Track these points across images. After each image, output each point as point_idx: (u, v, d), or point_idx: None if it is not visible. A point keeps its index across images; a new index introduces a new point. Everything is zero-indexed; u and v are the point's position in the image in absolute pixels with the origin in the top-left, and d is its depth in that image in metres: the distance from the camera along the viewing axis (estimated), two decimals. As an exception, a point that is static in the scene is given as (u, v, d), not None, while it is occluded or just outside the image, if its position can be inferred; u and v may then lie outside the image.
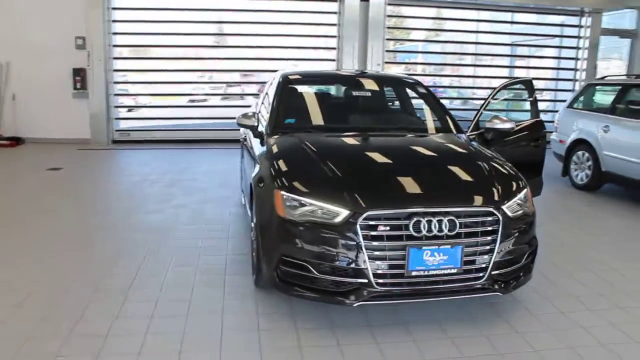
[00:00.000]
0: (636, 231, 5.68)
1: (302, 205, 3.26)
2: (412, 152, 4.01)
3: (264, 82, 11.43)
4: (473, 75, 12.56)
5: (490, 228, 3.26)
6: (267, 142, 4.20)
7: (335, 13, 10.91)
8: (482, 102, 5.09)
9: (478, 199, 3.34)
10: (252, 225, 4.04)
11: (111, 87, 10.37)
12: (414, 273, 3.14)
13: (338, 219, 3.15)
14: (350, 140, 4.20)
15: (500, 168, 3.76)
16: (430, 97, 4.98)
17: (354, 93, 5.07)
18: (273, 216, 3.35)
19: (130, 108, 11.29)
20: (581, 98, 7.85)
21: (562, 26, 11.89)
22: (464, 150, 4.08)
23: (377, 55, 10.93)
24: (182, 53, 11.01)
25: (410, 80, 5.36)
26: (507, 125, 4.61)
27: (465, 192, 3.39)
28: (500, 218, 3.27)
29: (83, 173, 7.92)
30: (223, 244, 4.85)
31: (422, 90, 5.09)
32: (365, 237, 3.10)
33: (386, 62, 11.12)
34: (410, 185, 3.40)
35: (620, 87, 7.22)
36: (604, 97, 7.82)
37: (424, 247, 3.12)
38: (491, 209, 3.28)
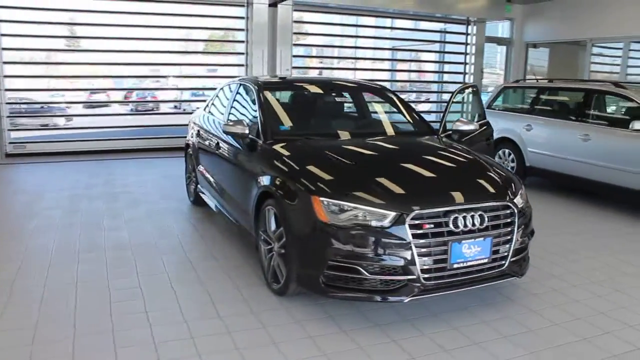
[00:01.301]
0: (562, 213, 6.51)
1: (346, 209, 3.35)
2: (426, 155, 4.24)
3: (173, 89, 11.25)
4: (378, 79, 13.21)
5: (508, 220, 3.61)
6: (271, 150, 4.18)
7: (243, 18, 10.86)
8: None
9: (497, 195, 3.67)
10: (263, 235, 4.00)
11: (2, 95, 9.30)
12: (455, 265, 3.39)
13: (387, 221, 3.29)
14: (359, 145, 4.33)
15: (498, 167, 4.14)
16: (403, 102, 5.27)
17: (337, 99, 5.19)
18: (314, 222, 3.39)
19: (26, 117, 10.19)
20: (499, 99, 8.49)
21: (451, 33, 12.99)
22: (462, 152, 4.39)
23: (285, 60, 11.08)
24: (72, 58, 10.19)
25: (379, 86, 5.62)
26: (471, 127, 5.07)
27: (486, 190, 3.71)
28: (515, 211, 3.64)
29: (-7, 192, 7.06)
30: (211, 255, 4.70)
31: (391, 95, 5.37)
32: (413, 236, 3.28)
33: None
34: (441, 185, 3.65)
35: (537, 90, 7.98)
36: (521, 99, 8.52)
37: (463, 241, 3.38)
38: (508, 203, 3.63)
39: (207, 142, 5.59)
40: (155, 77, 11.00)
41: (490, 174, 3.93)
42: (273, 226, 3.84)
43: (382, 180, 3.59)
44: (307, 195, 3.48)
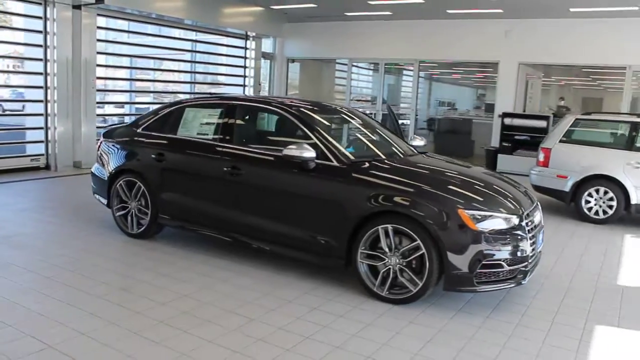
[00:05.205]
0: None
1: (486, 217, 4.13)
2: (468, 167, 5.26)
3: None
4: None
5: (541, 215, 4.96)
6: (362, 173, 4.49)
7: (40, 18, 9.21)
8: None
9: (534, 197, 4.99)
10: (365, 252, 4.34)
11: None
12: (538, 251, 4.57)
13: (513, 222, 4.23)
14: (425, 163, 5.10)
15: None
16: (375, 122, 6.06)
17: (357, 122, 5.68)
18: (466, 232, 4.05)
19: None
20: (574, 133, 7.92)
21: (231, 47, 13.57)
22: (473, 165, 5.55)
23: (90, 68, 9.93)
24: None
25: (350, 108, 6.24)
26: (422, 143, 6.18)
27: (532, 193, 4.97)
28: (540, 209, 5.00)
29: None
30: (277, 282, 4.58)
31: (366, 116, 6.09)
32: (527, 232, 4.31)
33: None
34: (512, 191, 4.69)
35: (630, 125, 7.58)
36: (604, 132, 8.17)
37: (540, 233, 4.59)
38: (538, 202, 4.97)
39: (200, 167, 5.22)
40: None
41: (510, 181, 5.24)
42: (391, 242, 4.22)
43: (485, 191, 4.48)
44: (453, 209, 4.09)
